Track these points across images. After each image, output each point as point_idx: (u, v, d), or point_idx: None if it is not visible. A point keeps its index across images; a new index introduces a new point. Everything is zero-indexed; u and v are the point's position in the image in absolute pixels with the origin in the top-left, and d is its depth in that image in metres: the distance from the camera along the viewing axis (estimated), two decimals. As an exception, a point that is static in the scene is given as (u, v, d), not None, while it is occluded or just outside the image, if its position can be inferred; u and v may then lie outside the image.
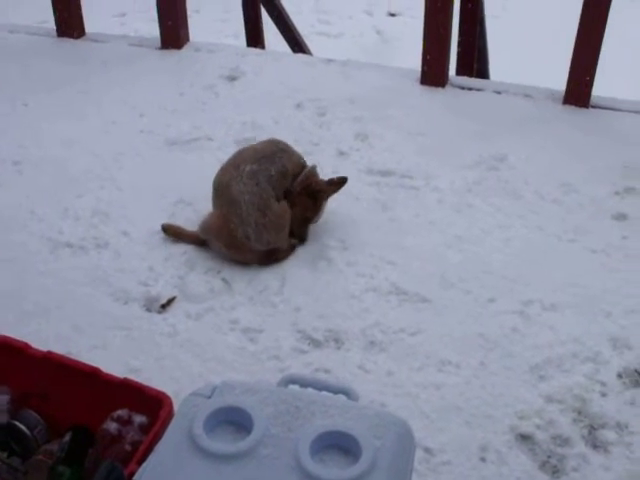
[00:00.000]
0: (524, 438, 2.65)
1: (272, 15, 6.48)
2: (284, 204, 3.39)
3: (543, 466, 2.57)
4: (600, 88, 4.42)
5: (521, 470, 2.55)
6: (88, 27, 5.45)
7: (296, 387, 2.10)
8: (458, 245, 3.45)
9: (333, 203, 3.63)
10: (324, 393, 2.05)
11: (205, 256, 3.41)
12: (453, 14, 4.53)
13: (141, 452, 2.11)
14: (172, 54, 5.04)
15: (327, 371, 2.87)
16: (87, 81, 4.78)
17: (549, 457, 2.59)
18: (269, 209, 3.31)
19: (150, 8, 5.02)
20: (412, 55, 4.61)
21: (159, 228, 3.55)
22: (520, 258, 3.38)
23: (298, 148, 3.90)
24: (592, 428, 2.68)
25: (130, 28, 9.75)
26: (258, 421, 1.87)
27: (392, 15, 10.09)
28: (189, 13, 5.18)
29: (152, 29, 5.11)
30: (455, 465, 2.55)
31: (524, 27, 8.82)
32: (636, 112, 4.36)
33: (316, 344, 3.00)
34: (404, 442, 1.91)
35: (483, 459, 2.58)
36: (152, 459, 1.84)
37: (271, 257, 3.37)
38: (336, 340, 3.01)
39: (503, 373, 2.87)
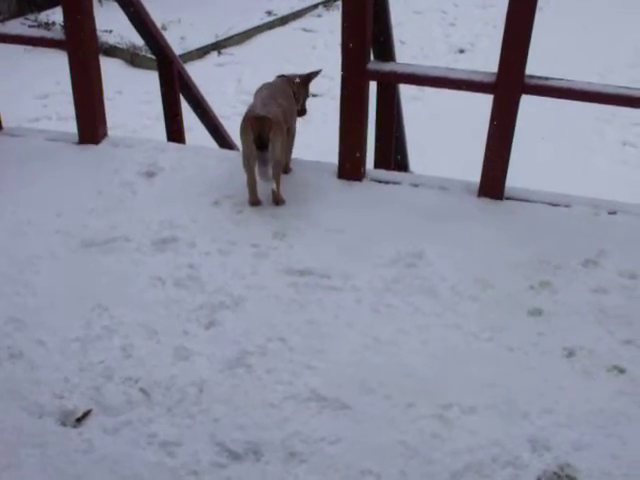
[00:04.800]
0: None
1: (191, 103, 6.52)
2: None
3: None
4: (515, 178, 4.53)
5: None
6: (11, 108, 5.38)
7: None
8: (377, 347, 3.45)
9: (253, 306, 3.64)
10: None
11: (123, 365, 3.36)
12: (369, 107, 4.61)
13: None
14: (90, 149, 5.00)
15: (246, 487, 2.83)
16: (2, 178, 4.70)
17: None
18: None
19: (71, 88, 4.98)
20: (333, 135, 4.65)
21: (75, 336, 3.50)
22: (439, 359, 3.40)
23: (214, 246, 3.98)
24: (512, 537, 2.69)
25: (52, 110, 9.75)
26: None
27: (314, 95, 10.20)
28: (111, 95, 5.16)
29: (74, 111, 5.05)
30: None
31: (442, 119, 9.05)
32: (549, 203, 4.45)
33: (235, 457, 2.96)
34: None
35: None
36: None
37: None
38: (255, 452, 2.98)
39: (424, 482, 2.87)
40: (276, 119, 4.25)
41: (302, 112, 4.84)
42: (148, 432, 3.06)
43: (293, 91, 4.68)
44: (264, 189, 4.39)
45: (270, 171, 4.19)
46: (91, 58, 4.88)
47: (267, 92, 4.53)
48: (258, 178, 4.28)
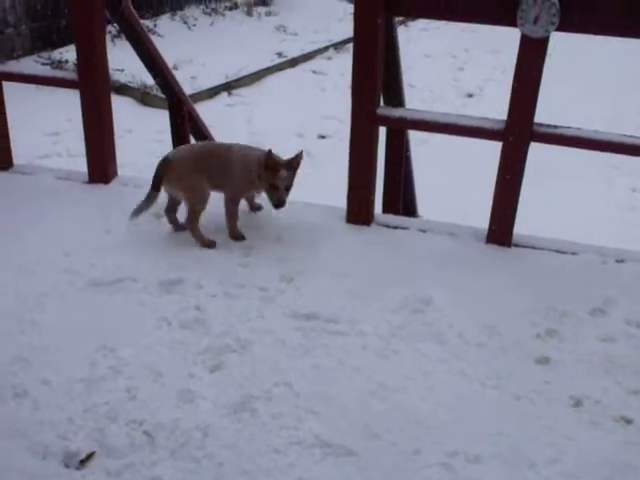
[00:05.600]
0: None
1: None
2: None
3: None
4: (523, 225, 4.53)
5: None
6: (21, 144, 5.44)
7: None
8: (382, 393, 3.43)
9: (259, 349, 3.63)
10: None
11: (127, 407, 3.34)
12: (378, 152, 4.64)
13: None
14: (99, 189, 5.04)
15: (249, 535, 2.81)
16: (12, 215, 4.73)
17: None
18: None
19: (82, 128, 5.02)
20: (341, 177, 4.65)
21: (80, 376, 3.49)
22: (445, 406, 3.38)
23: (220, 288, 3.98)
24: None
25: (63, 147, 9.78)
26: None
27: (322, 137, 10.27)
28: (122, 133, 5.17)
29: (84, 148, 5.08)
30: None
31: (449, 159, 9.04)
32: (556, 251, 4.46)
33: (239, 503, 2.94)
34: None
35: None
36: None
37: None
38: (259, 498, 2.96)
39: (428, 533, 2.84)
40: (179, 164, 4.35)
41: (275, 203, 4.28)
42: (152, 475, 3.03)
43: (261, 168, 4.28)
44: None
45: (138, 212, 4.38)
46: (103, 98, 4.94)
47: (211, 144, 4.71)
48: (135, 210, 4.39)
